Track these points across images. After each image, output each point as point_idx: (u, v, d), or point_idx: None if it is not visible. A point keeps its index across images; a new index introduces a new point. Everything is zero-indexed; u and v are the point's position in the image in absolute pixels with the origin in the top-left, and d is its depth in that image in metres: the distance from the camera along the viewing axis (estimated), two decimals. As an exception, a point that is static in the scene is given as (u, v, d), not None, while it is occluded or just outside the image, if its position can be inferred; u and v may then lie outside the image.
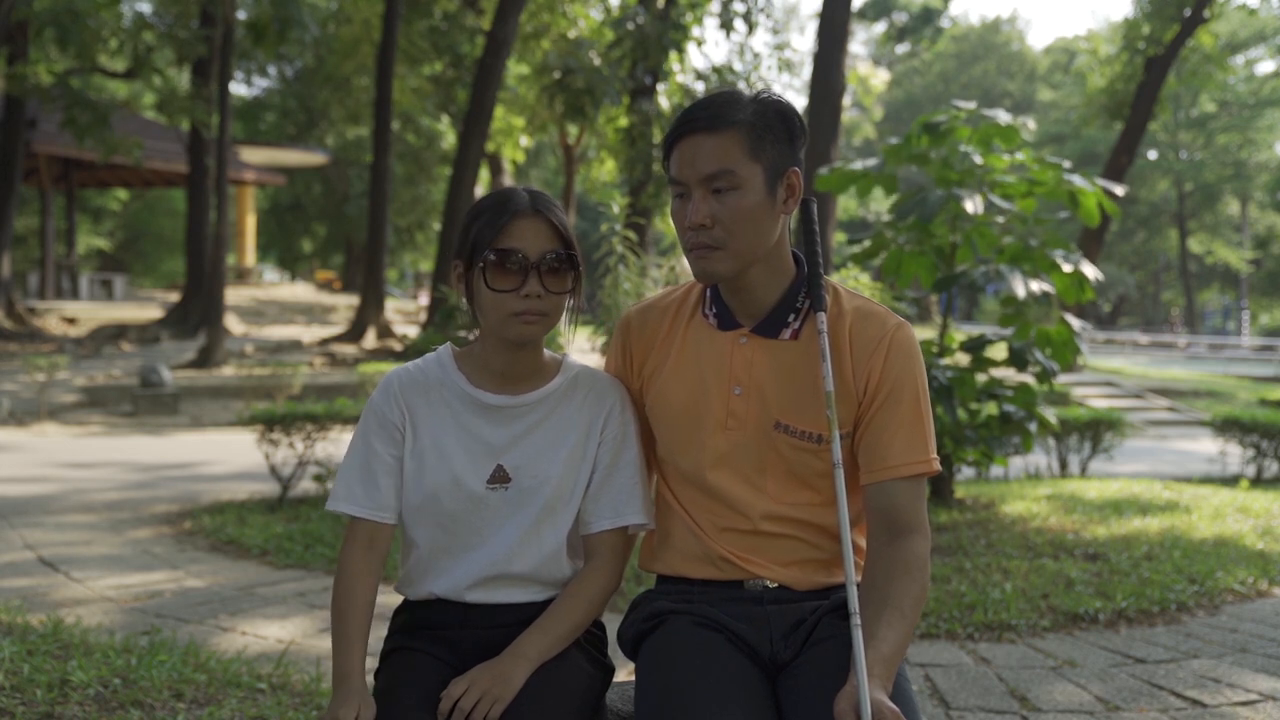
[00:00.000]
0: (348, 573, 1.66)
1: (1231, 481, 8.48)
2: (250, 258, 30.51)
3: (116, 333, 19.44)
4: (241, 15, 19.15)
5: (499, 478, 1.68)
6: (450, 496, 1.68)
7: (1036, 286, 5.80)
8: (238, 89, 35.93)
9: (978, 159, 6.05)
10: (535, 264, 1.62)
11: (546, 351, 1.75)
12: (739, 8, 19.56)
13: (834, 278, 1.85)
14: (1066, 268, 5.88)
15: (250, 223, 29.86)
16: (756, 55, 21.81)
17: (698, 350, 1.73)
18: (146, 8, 26.56)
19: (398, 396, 1.71)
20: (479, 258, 1.64)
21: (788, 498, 1.68)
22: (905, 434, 1.64)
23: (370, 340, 19.35)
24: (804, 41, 73.02)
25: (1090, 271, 5.96)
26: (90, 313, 22.17)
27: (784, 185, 1.62)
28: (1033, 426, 6.02)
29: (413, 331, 19.80)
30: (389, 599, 1.85)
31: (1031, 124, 6.43)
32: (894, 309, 6.00)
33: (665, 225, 18.40)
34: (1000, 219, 6.17)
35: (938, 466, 1.67)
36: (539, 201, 1.66)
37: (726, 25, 19.53)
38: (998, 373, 6.22)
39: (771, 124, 1.60)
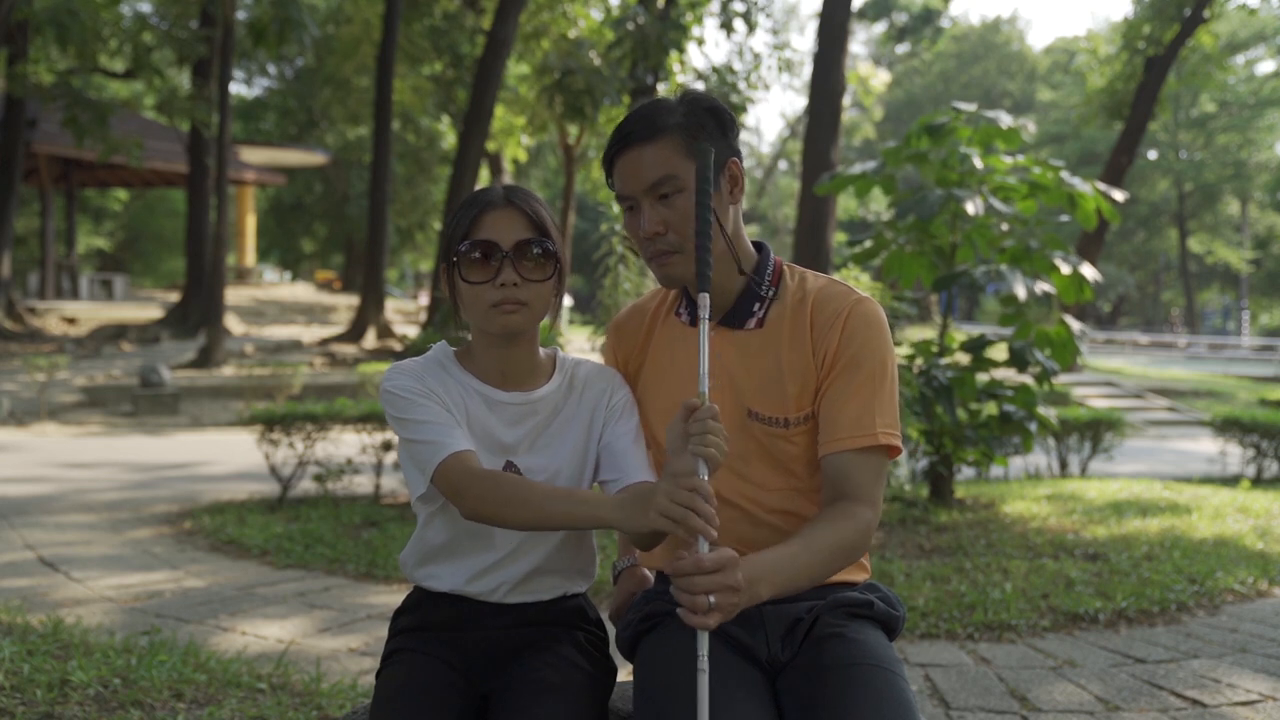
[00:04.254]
0: (500, 477, 1.56)
1: (1231, 481, 8.48)
2: (250, 258, 30.50)
3: (116, 333, 19.44)
4: (241, 15, 19.14)
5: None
6: None
7: (1037, 287, 5.81)
8: (238, 89, 36.02)
9: (977, 160, 6.05)
10: (508, 253, 1.61)
11: (541, 349, 1.75)
12: (739, 8, 19.55)
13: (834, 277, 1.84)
14: (1065, 269, 5.88)
15: (250, 223, 29.86)
16: (756, 55, 21.82)
17: (671, 349, 1.77)
18: (146, 8, 26.54)
19: (417, 377, 1.66)
20: (453, 253, 1.65)
21: (771, 483, 1.70)
22: (857, 406, 1.63)
23: (370, 340, 19.35)
24: (804, 41, 73.03)
25: (1089, 273, 5.96)
26: (90, 313, 22.17)
27: (726, 177, 1.67)
28: (1033, 426, 6.02)
29: (413, 331, 19.81)
30: (390, 599, 1.84)
31: (1032, 126, 6.43)
32: (894, 309, 6.03)
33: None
34: (1000, 221, 6.17)
35: (889, 441, 1.63)
36: (513, 194, 1.66)
37: (726, 25, 19.52)
38: (998, 373, 6.22)
39: (703, 121, 1.64)
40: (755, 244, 1.76)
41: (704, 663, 1.39)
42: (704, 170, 1.57)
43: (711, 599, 1.36)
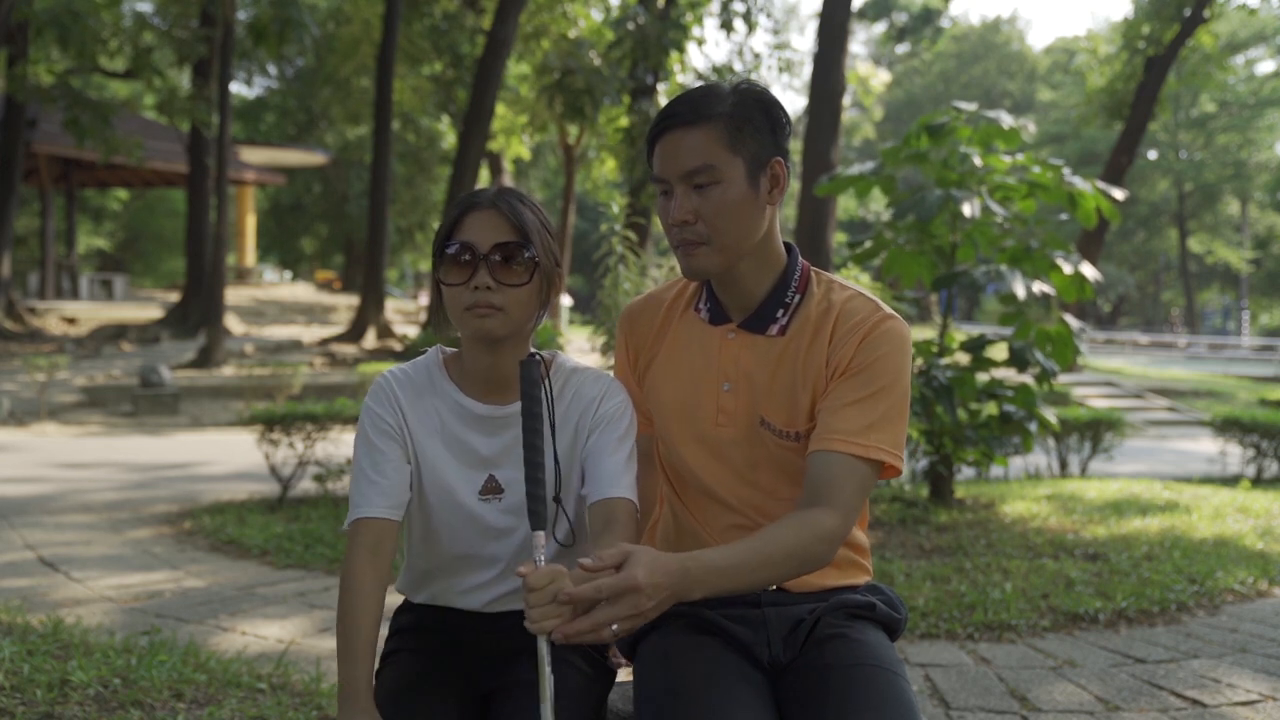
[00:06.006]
0: (354, 582, 1.57)
1: (1231, 481, 8.48)
2: (250, 258, 30.51)
3: (116, 333, 19.44)
4: (242, 16, 19.13)
5: (491, 489, 1.65)
6: (445, 507, 1.65)
7: (1037, 288, 5.81)
8: (238, 89, 35.97)
9: (977, 160, 6.05)
10: (484, 255, 1.57)
11: (542, 354, 1.73)
12: (739, 8, 19.56)
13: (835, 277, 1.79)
14: (1066, 269, 5.88)
15: (250, 223, 29.86)
16: (756, 55, 21.84)
17: (688, 345, 1.72)
18: (147, 8, 26.56)
19: (392, 399, 1.67)
20: (434, 253, 1.64)
21: (782, 493, 1.66)
22: (857, 414, 1.56)
23: (370, 340, 19.35)
24: (804, 41, 73.12)
25: (1089, 272, 5.96)
26: (90, 313, 22.17)
27: (768, 176, 1.59)
28: (1033, 426, 6.02)
29: (413, 331, 19.81)
30: (389, 599, 1.84)
31: (1032, 126, 6.43)
32: (894, 309, 6.03)
33: (665, 225, 18.40)
34: (1000, 221, 6.18)
35: (882, 458, 1.55)
36: (501, 197, 1.62)
37: (726, 25, 19.53)
38: (998, 373, 6.22)
39: (751, 115, 1.57)
40: (785, 245, 1.69)
41: (548, 663, 1.35)
42: (532, 389, 1.45)
43: (614, 627, 1.31)
